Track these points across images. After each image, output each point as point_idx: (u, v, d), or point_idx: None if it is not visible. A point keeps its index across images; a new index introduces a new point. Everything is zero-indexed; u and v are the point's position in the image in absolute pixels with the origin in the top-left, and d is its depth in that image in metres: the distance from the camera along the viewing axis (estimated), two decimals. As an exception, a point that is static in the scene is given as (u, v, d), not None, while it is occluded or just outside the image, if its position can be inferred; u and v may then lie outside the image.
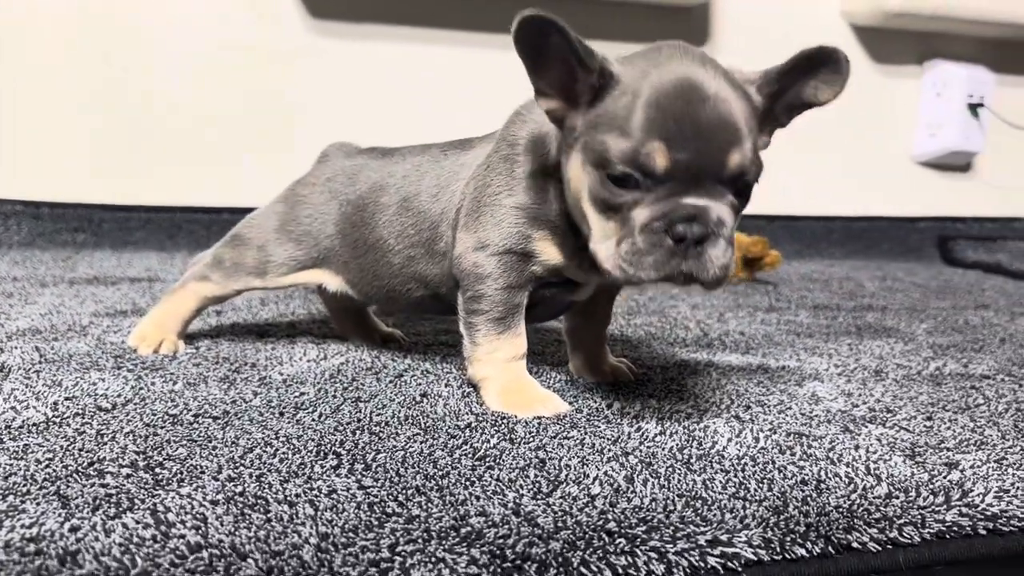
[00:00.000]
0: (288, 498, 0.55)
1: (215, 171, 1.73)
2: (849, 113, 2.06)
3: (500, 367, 0.77)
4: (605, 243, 0.66)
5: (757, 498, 0.58)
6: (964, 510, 0.59)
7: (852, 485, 0.61)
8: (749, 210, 1.05)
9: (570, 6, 1.83)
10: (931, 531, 0.56)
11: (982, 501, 0.60)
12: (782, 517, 0.56)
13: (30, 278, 1.32)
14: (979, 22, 1.96)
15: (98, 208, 1.68)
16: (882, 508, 0.58)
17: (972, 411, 0.82)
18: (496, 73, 1.82)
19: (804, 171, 2.03)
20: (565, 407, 0.76)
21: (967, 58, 2.08)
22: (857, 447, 0.69)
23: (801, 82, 0.69)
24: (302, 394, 0.78)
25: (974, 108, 2.04)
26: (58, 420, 0.68)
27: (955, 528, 0.57)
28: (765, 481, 0.61)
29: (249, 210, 1.77)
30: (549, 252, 0.76)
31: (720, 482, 0.60)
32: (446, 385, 0.82)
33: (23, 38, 1.60)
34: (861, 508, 0.58)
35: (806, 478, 0.62)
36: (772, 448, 0.68)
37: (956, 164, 2.15)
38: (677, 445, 0.68)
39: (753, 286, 1.55)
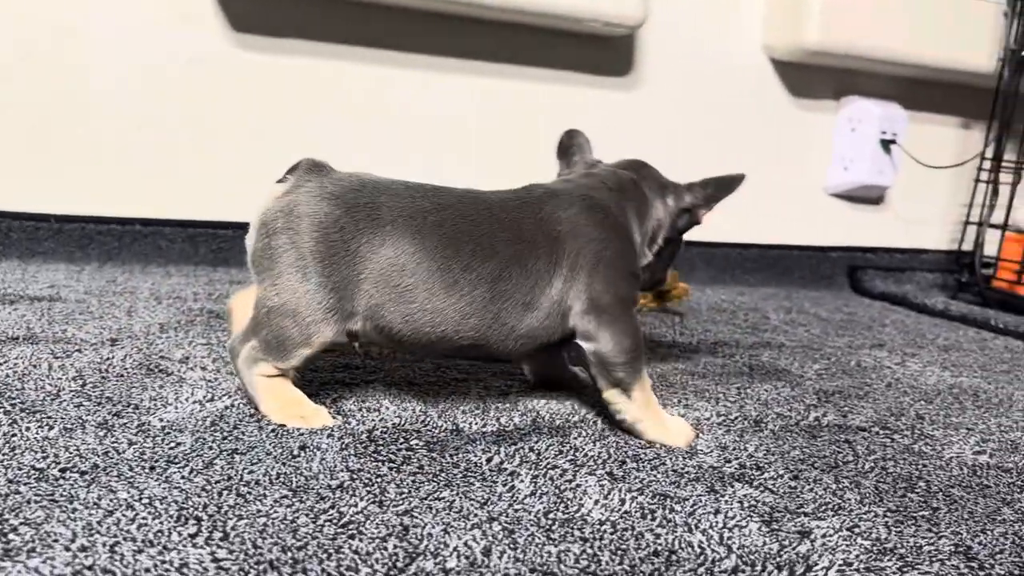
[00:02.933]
0: (136, 572, 0.55)
1: (129, 181, 1.69)
2: (767, 145, 2.11)
3: (650, 403, 0.91)
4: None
5: (607, 572, 0.60)
6: (802, 587, 0.61)
7: (702, 557, 0.64)
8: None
9: (491, 30, 1.84)
10: (768, 609, 0.59)
11: (821, 577, 0.63)
12: (626, 595, 0.58)
13: (-78, 294, 1.29)
14: (892, 62, 2.03)
15: (6, 216, 1.63)
16: (724, 584, 0.60)
17: (839, 469, 0.86)
18: (416, 94, 1.82)
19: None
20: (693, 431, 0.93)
21: (882, 95, 2.15)
22: (717, 511, 0.72)
23: None
24: (178, 444, 0.77)
25: (886, 144, 2.11)
26: (-85, 475, 0.67)
27: (791, 605, 0.60)
28: (619, 552, 0.63)
29: (165, 222, 1.74)
30: None
31: (575, 554, 0.62)
32: (328, 436, 0.82)
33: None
34: (704, 585, 0.60)
35: (659, 548, 0.64)
36: (635, 512, 0.70)
37: (868, 197, 2.23)
38: (544, 508, 0.70)
39: (661, 318, 1.59)
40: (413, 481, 0.73)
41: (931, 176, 2.22)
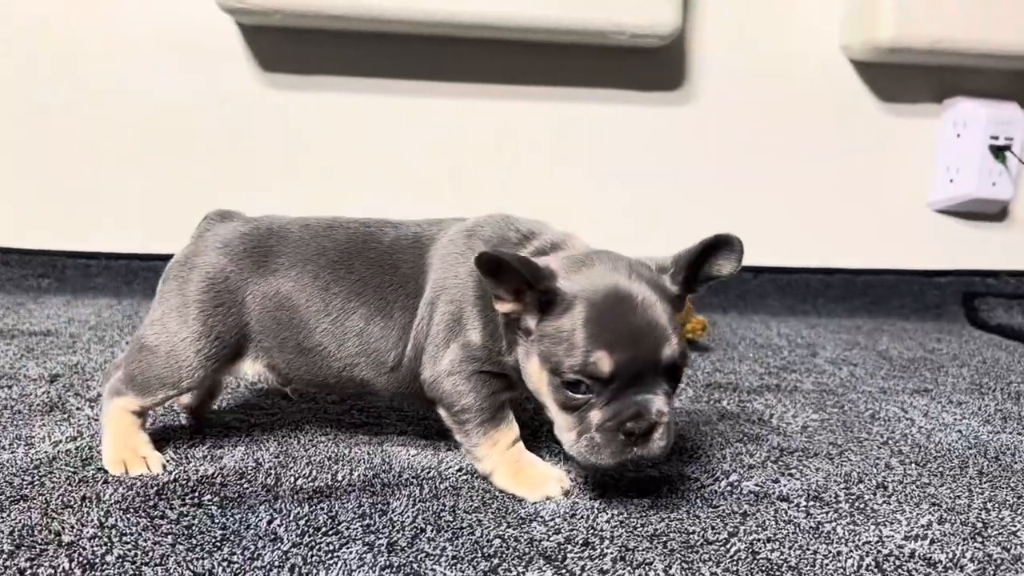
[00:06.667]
0: None
1: (169, 221, 1.77)
2: (852, 157, 1.88)
3: (503, 455, 0.84)
4: (567, 433, 0.77)
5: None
6: None
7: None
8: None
9: (533, 51, 1.76)
10: None
11: None
12: None
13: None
14: (1002, 55, 1.74)
15: (61, 255, 1.77)
16: None
17: (689, 552, 0.71)
18: (448, 121, 1.78)
19: (796, 218, 1.86)
20: (567, 481, 0.82)
21: (994, 95, 1.85)
22: (465, 600, 0.61)
23: (707, 263, 0.78)
24: (-28, 489, 0.76)
25: (999, 150, 1.80)
26: None
27: None
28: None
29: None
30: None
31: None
32: (127, 486, 0.78)
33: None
34: None
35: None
36: (360, 596, 0.61)
37: (985, 212, 1.91)
38: (258, 585, 0.62)
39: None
40: (161, 543, 0.68)
41: (1066, 186, 1.87)
